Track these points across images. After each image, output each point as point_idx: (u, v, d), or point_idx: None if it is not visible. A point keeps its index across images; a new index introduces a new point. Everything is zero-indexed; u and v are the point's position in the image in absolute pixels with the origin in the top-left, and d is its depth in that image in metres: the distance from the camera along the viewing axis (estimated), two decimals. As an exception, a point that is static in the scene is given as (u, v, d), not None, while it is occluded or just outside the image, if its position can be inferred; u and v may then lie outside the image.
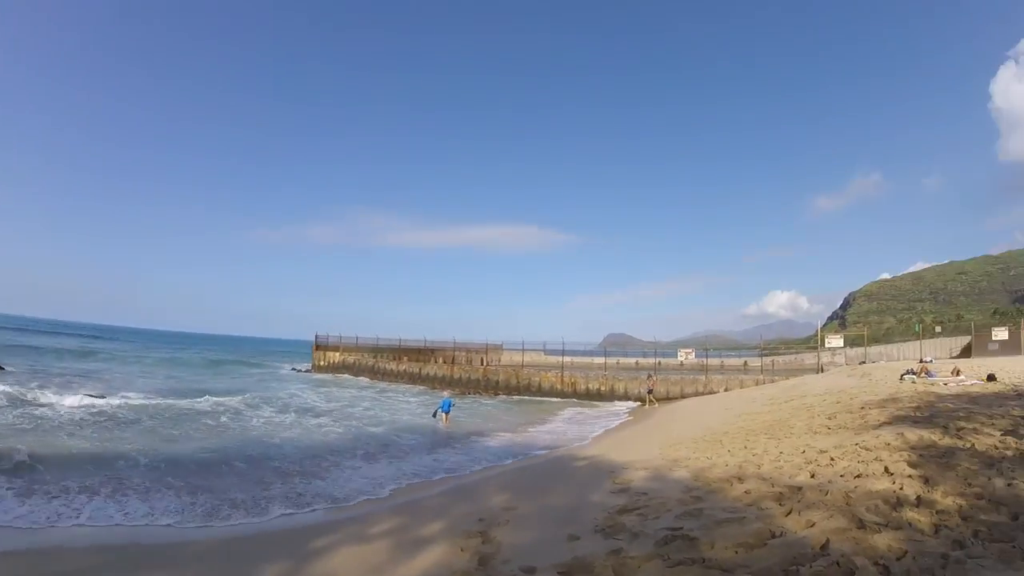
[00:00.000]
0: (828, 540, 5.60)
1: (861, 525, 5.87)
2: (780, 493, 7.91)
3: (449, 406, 27.77)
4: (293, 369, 67.46)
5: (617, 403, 39.72)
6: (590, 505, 9.64)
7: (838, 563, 5.01)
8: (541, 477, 14.12)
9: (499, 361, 58.95)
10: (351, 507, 12.36)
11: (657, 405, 37.30)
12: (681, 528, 7.13)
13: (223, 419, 24.76)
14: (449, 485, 14.37)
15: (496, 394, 44.57)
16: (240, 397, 32.92)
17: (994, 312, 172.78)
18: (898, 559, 5.03)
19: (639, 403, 38.64)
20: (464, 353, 60.54)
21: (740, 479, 9.54)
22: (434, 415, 27.81)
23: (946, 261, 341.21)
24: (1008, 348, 48.05)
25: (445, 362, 55.34)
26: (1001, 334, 50.92)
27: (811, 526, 6.18)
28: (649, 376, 42.88)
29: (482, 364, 54.26)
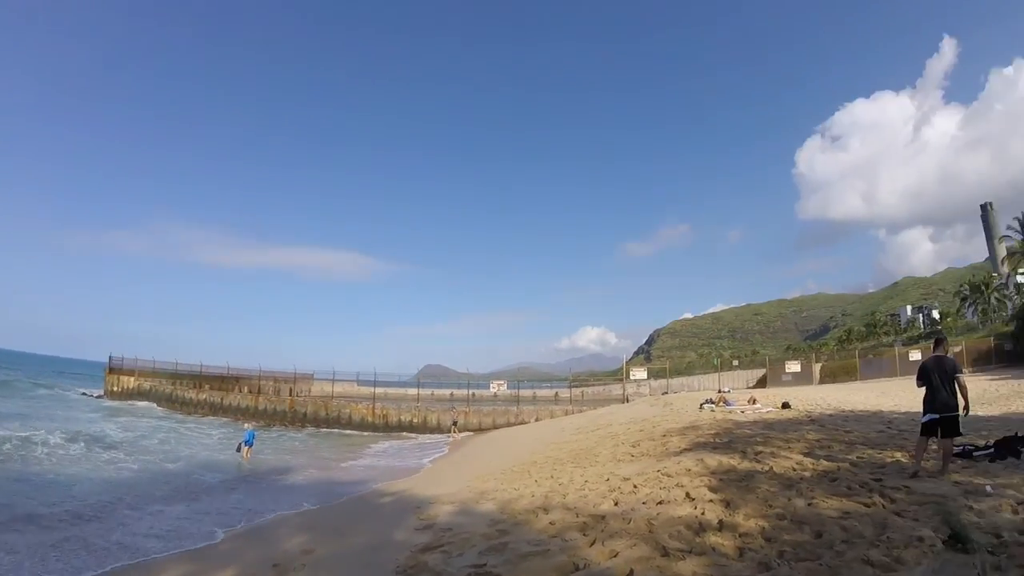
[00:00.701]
0: (632, 571, 5.29)
1: (665, 553, 5.64)
2: (584, 523, 7.64)
3: (252, 438, 25.99)
4: (83, 394, 61.22)
5: (428, 435, 39.03)
6: (393, 544, 9.03)
7: (643, 594, 4.73)
8: (344, 516, 13.26)
9: (309, 391, 56.60)
10: (140, 556, 10.99)
11: (460, 436, 37.30)
12: (484, 565, 6.68)
13: (5, 448, 22.05)
14: (245, 527, 13.16)
15: (304, 426, 42.41)
16: (25, 424, 29.61)
17: (787, 348, 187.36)
18: (704, 589, 4.83)
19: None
20: (271, 382, 57.78)
21: (545, 510, 9.24)
22: (237, 449, 25.81)
23: (744, 304, 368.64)
24: (800, 379, 52.78)
25: (250, 392, 52.27)
26: (794, 367, 56.20)
27: (615, 556, 5.87)
28: (453, 408, 42.93)
29: (290, 394, 51.88)
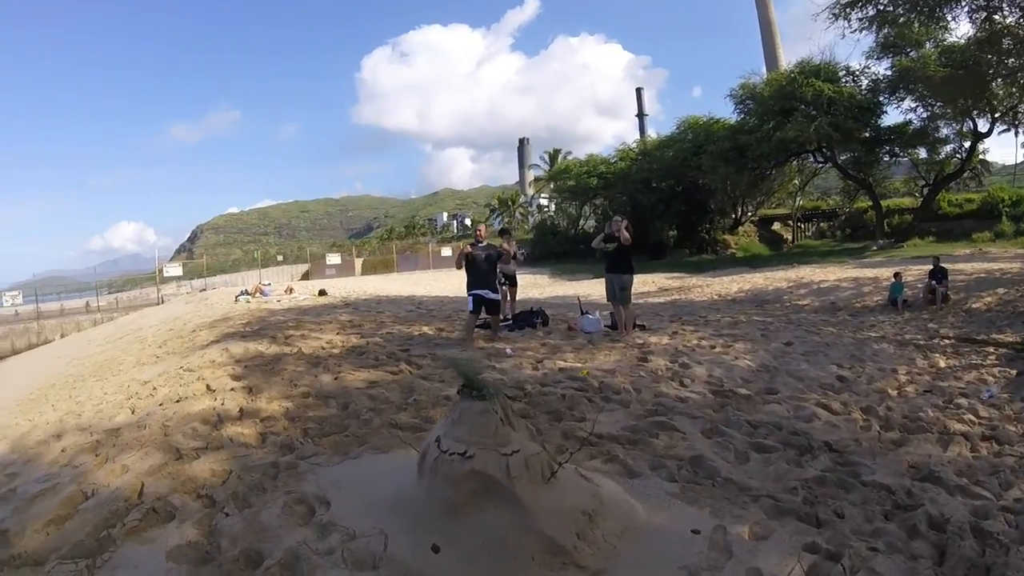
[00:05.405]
0: (143, 484, 4.49)
1: (179, 456, 5.02)
2: (97, 441, 6.51)
3: None
4: None
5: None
6: None
7: (155, 509, 4.01)
8: None
9: None
10: None
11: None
12: (-11, 524, 5.36)
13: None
14: None
15: None
16: None
17: (332, 245, 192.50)
18: (223, 483, 4.42)
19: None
20: None
21: (59, 436, 7.87)
22: None
23: (291, 200, 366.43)
24: (343, 271, 55.27)
25: None
26: (335, 259, 58.71)
27: (125, 472, 4.99)
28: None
29: None
